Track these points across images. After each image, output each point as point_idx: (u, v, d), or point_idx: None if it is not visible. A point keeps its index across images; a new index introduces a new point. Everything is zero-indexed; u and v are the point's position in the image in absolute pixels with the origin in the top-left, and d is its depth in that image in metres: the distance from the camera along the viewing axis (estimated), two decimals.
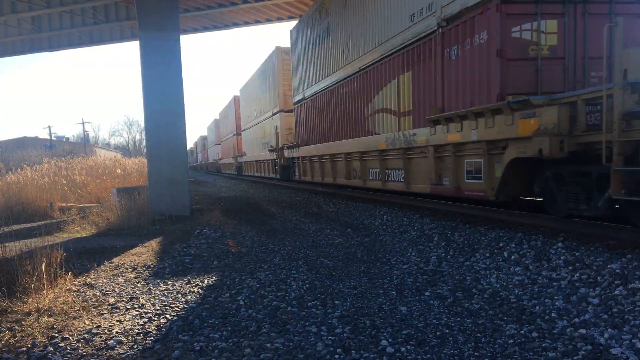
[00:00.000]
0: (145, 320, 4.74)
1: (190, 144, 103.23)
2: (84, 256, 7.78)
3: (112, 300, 5.46)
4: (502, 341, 3.99)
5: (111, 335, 4.31)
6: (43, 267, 5.52)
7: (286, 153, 20.27)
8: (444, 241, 7.74)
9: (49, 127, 69.55)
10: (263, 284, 5.99)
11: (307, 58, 17.39)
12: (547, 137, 5.95)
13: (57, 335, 4.33)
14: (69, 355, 3.93)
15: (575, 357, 3.61)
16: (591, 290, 4.77)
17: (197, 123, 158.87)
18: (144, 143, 78.12)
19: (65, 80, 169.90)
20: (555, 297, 4.85)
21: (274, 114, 22.58)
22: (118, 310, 5.06)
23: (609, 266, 5.06)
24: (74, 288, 5.94)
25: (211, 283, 6.13)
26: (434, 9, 8.66)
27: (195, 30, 21.26)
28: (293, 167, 20.19)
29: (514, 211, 8.24)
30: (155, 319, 4.77)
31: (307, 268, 6.76)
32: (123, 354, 3.93)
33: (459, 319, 4.55)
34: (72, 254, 7.24)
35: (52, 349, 4.04)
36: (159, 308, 5.12)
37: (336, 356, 3.76)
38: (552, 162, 6.35)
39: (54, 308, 5.06)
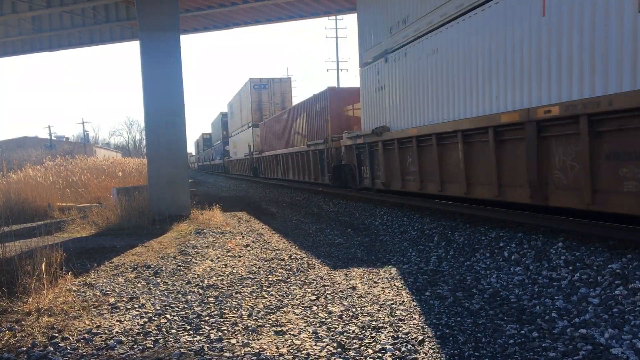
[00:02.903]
0: (146, 320, 4.73)
1: (194, 139, 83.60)
2: (84, 256, 7.77)
3: (112, 300, 5.46)
4: (503, 341, 3.98)
5: (111, 335, 4.31)
6: (43, 267, 5.52)
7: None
8: (444, 241, 7.74)
9: (49, 127, 69.69)
10: (263, 284, 5.99)
11: None
12: None
13: (57, 335, 4.33)
14: (69, 355, 3.92)
15: (575, 357, 3.61)
16: (591, 290, 4.77)
17: (198, 124, 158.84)
18: (144, 143, 77.80)
19: (65, 80, 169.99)
20: (556, 297, 4.85)
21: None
22: (118, 310, 5.06)
23: (609, 266, 5.06)
24: (74, 288, 5.93)
25: (211, 283, 6.13)
26: None
27: (196, 30, 21.25)
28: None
29: (514, 211, 8.24)
30: (156, 318, 4.77)
31: None
32: (123, 354, 3.92)
33: (459, 318, 4.54)
34: (72, 254, 7.23)
35: (52, 348, 4.04)
36: (159, 308, 5.12)
37: (336, 356, 3.76)
38: None
39: (54, 308, 5.05)
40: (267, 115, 28.90)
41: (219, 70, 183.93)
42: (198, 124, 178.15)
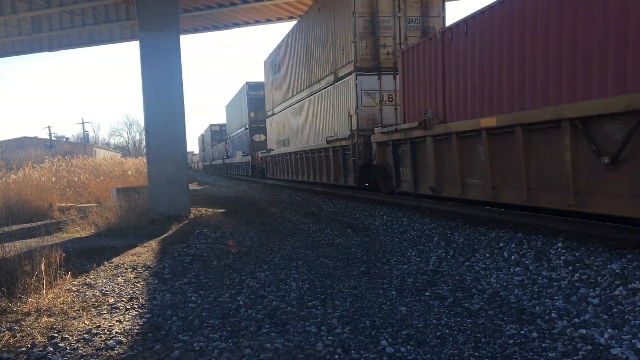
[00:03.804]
0: (145, 320, 4.73)
1: (195, 136, 74.77)
2: (84, 256, 7.77)
3: (111, 300, 5.46)
4: (502, 341, 3.98)
5: (111, 335, 4.31)
6: (42, 267, 5.51)
7: None
8: (444, 241, 7.74)
9: (49, 127, 69.62)
10: (263, 284, 5.98)
11: None
12: None
13: (56, 335, 4.33)
14: (68, 355, 3.92)
15: (575, 358, 3.61)
16: (591, 290, 4.77)
17: (199, 123, 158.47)
18: (144, 143, 77.38)
19: (65, 80, 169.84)
20: (555, 297, 4.85)
21: None
22: (118, 310, 5.06)
23: (609, 266, 5.06)
24: (73, 288, 5.93)
25: (211, 283, 6.12)
26: None
27: (196, 30, 21.28)
28: None
29: (514, 211, 8.24)
30: (155, 319, 4.77)
31: (307, 268, 6.76)
32: (123, 354, 3.92)
33: (459, 319, 4.54)
34: (71, 254, 7.23)
35: (51, 349, 4.04)
36: (158, 308, 5.12)
37: (336, 356, 3.76)
38: None
39: (53, 308, 5.05)
40: (391, 47, 12.81)
41: (217, 69, 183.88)
42: (198, 123, 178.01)
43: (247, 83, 28.97)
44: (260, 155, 26.56)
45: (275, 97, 22.44)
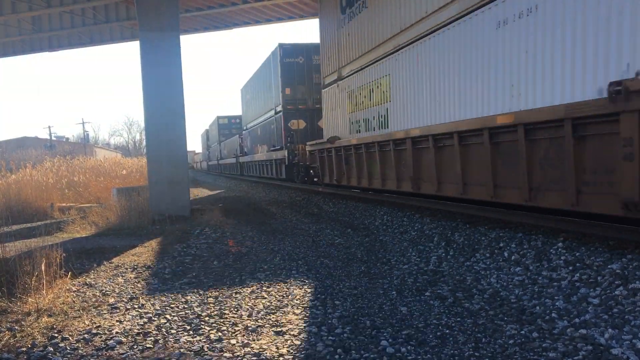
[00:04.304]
0: (145, 320, 4.73)
1: (197, 134, 67.65)
2: (84, 256, 7.77)
3: (112, 300, 5.46)
4: (503, 341, 3.98)
5: (111, 336, 4.31)
6: (43, 267, 5.52)
7: None
8: (444, 241, 7.73)
9: (49, 127, 69.54)
10: (263, 284, 5.98)
11: None
12: None
13: (57, 335, 4.33)
14: (69, 356, 3.92)
15: (575, 358, 3.61)
16: (591, 290, 4.77)
17: (200, 121, 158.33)
18: (144, 143, 77.46)
19: (65, 81, 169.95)
20: (556, 297, 4.84)
21: None
22: (118, 311, 5.06)
23: (609, 266, 5.06)
24: (73, 288, 5.93)
25: (211, 283, 6.12)
26: None
27: (196, 30, 21.27)
28: None
29: (514, 211, 8.23)
30: (155, 319, 4.77)
31: (307, 268, 6.76)
32: (123, 354, 3.92)
33: (459, 319, 4.54)
34: (71, 254, 7.23)
35: (52, 349, 4.04)
36: (159, 308, 5.12)
37: (336, 356, 3.75)
38: None
39: (53, 308, 5.05)
40: None
41: (218, 66, 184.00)
42: (199, 120, 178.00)
43: (280, 45, 20.21)
44: (309, 148, 17.24)
45: (350, 48, 13.28)
